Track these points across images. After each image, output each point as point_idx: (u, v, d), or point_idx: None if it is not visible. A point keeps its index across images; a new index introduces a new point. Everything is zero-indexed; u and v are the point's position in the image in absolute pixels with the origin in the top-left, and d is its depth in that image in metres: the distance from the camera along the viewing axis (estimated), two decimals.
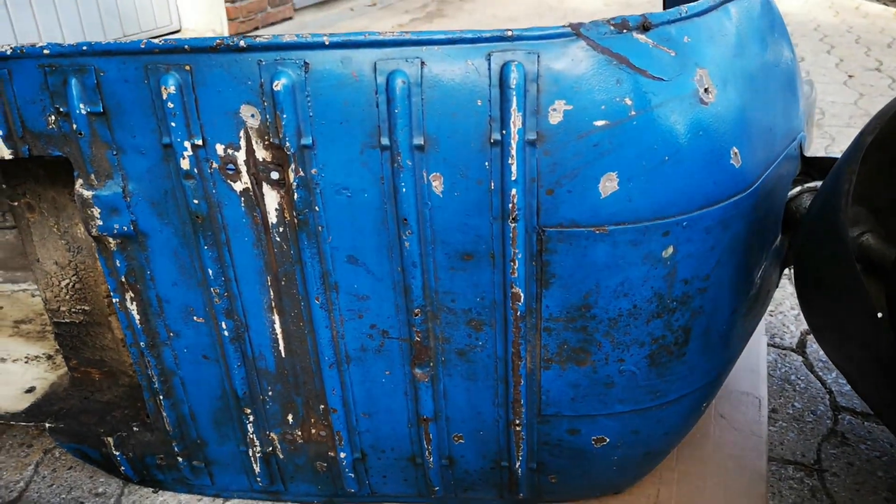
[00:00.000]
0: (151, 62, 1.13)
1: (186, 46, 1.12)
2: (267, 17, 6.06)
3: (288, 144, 1.14)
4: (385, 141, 1.12)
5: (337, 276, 1.26)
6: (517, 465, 1.39)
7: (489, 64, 1.08)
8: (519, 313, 1.21)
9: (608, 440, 1.35)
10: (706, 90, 1.14)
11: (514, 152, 1.09)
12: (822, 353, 2.06)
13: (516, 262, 1.17)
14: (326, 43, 1.09)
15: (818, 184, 1.53)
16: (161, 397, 1.45)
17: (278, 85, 1.10)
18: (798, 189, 1.52)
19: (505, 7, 7.13)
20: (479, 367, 1.30)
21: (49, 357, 1.81)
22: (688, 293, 1.22)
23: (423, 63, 1.09)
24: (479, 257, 1.19)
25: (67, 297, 1.54)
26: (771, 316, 2.24)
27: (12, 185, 1.43)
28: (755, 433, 1.72)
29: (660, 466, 1.60)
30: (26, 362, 1.80)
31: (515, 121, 1.08)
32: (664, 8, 1.78)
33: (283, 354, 1.37)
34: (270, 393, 1.42)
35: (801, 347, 2.09)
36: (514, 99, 1.07)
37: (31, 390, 1.70)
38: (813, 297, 1.33)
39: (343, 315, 1.29)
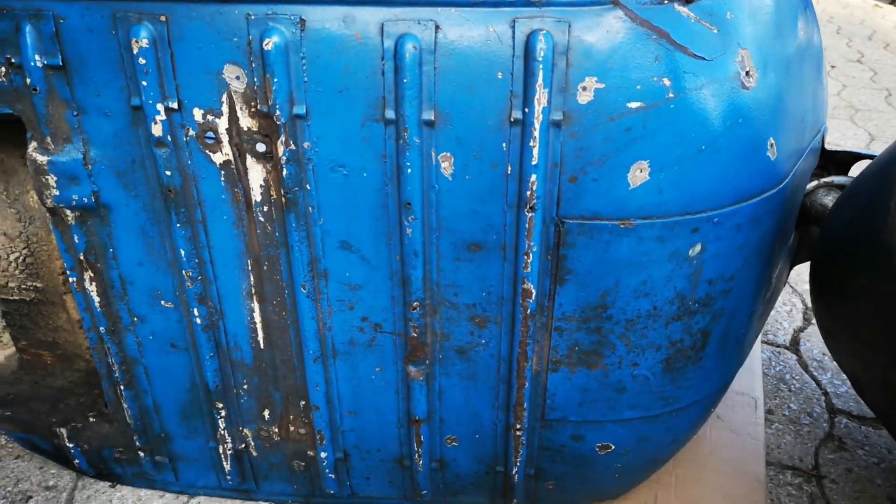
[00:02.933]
0: (121, 10, 0.97)
1: None
2: None
3: (278, 113, 1.00)
4: (390, 114, 0.99)
5: (327, 263, 1.12)
6: (514, 471, 1.29)
7: (513, 32, 0.95)
8: (529, 311, 1.10)
9: (613, 447, 1.26)
10: (747, 73, 1.03)
11: (536, 134, 0.97)
12: (815, 351, 2.01)
13: (530, 255, 1.05)
14: None
15: (835, 179, 1.45)
16: (122, 387, 1.30)
17: (269, 44, 0.96)
18: (815, 183, 1.43)
19: None
20: (479, 366, 1.19)
21: None
22: (711, 295, 1.13)
23: (437, 27, 0.95)
24: (488, 248, 1.07)
25: (17, 272, 1.37)
26: None
27: None
28: (752, 436, 1.66)
29: None
30: None
31: (540, 98, 0.96)
32: None
33: (261, 346, 1.23)
34: (246, 386, 1.29)
35: (794, 345, 2.04)
36: (541, 73, 0.94)
37: None
38: (836, 303, 1.25)
39: (332, 306, 1.17)
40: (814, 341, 2.05)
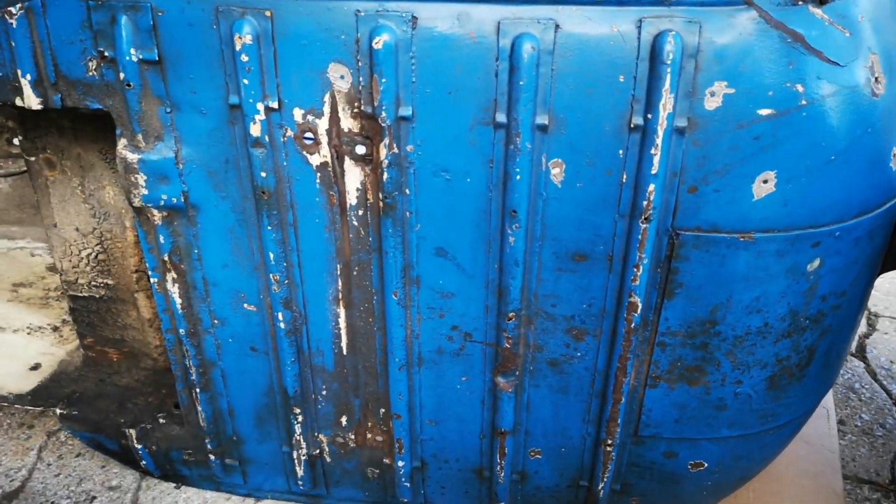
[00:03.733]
0: (224, 4, 0.93)
1: None
2: None
3: (384, 114, 0.95)
4: (501, 117, 0.94)
5: (420, 270, 1.08)
6: (599, 486, 1.25)
7: (639, 32, 0.89)
8: (633, 325, 1.06)
9: (706, 465, 1.22)
10: (876, 80, 0.97)
11: (658, 141, 0.92)
12: (882, 359, 1.95)
13: (640, 267, 1.01)
14: None
15: None
16: (198, 390, 1.27)
17: (378, 42, 0.91)
18: None
19: None
20: (572, 379, 1.15)
21: (55, 329, 1.61)
22: (822, 311, 1.07)
23: (557, 26, 0.90)
24: (593, 259, 1.03)
25: (88, 268, 1.34)
26: None
27: (31, 136, 1.22)
28: (827, 447, 1.61)
29: None
30: (29, 334, 1.60)
31: (666, 103, 0.90)
32: None
33: (344, 352, 1.20)
34: (325, 392, 1.25)
35: (860, 352, 1.98)
36: (668, 77, 0.89)
37: (36, 367, 1.51)
38: None
39: (421, 313, 1.12)
40: (880, 348, 2.00)
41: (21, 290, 1.73)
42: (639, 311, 1.04)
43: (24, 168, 2.11)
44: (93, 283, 1.35)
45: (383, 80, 0.93)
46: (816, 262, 1.01)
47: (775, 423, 1.19)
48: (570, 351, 1.12)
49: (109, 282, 1.34)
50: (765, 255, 0.99)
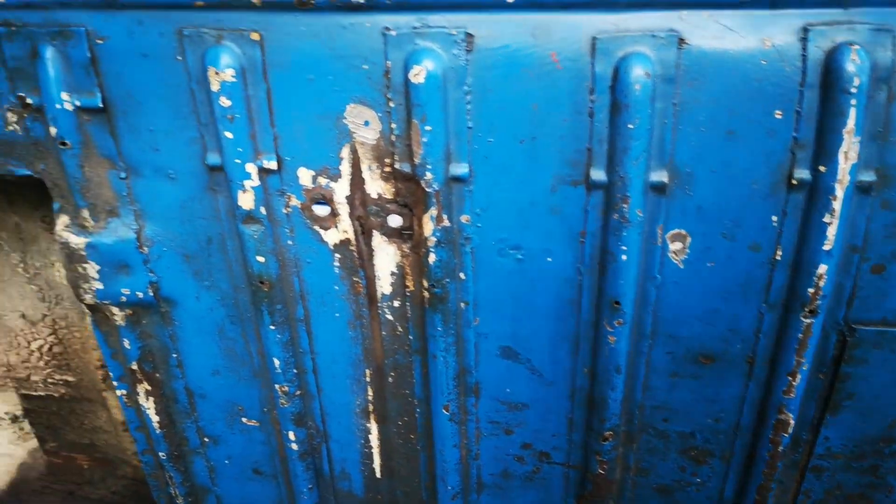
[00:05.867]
0: (189, 24, 0.64)
1: None
2: None
3: (428, 175, 0.66)
4: (598, 175, 0.65)
5: (480, 375, 0.80)
6: None
7: (804, 45, 0.60)
8: (781, 447, 0.76)
9: None
10: None
11: (836, 204, 0.63)
12: None
13: (797, 375, 0.71)
14: (509, 0, 0.61)
15: None
16: None
17: (418, 72, 0.62)
18: None
19: None
20: None
21: (14, 419, 1.32)
22: None
23: (681, 41, 0.61)
24: (725, 362, 0.74)
25: (41, 363, 1.05)
26: None
27: None
28: None
29: None
30: None
31: (848, 149, 0.61)
32: None
33: (377, 475, 0.91)
34: None
35: None
36: (852, 111, 0.60)
37: None
38: None
39: (481, 429, 0.84)
40: None
41: None
42: (790, 429, 0.75)
43: None
44: (49, 380, 1.07)
45: (427, 128, 0.64)
46: None
47: None
48: (687, 476, 0.83)
49: (69, 378, 1.06)
50: None
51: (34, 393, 1.09)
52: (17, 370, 1.06)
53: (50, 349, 1.04)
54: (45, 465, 1.21)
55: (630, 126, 0.63)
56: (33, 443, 1.28)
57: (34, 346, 1.03)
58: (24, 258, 0.96)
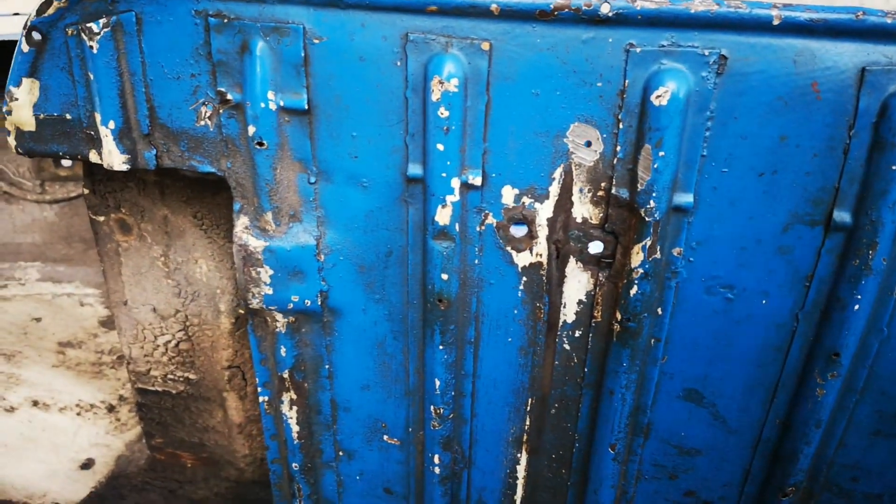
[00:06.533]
0: (417, 29, 0.60)
1: (493, 7, 0.58)
2: None
3: (652, 203, 0.61)
4: (844, 217, 0.60)
5: (654, 415, 0.75)
6: None
7: None
8: None
9: None
10: None
11: None
12: None
13: None
14: (776, 21, 0.56)
15: None
16: None
17: (662, 94, 0.58)
18: None
19: None
20: None
21: (110, 409, 1.30)
22: None
23: None
24: None
25: (165, 359, 1.02)
26: None
27: (100, 188, 0.90)
28: None
29: None
30: (78, 414, 1.29)
31: None
32: None
33: None
34: None
35: None
36: None
37: (88, 466, 1.20)
38: None
39: (643, 471, 0.79)
40: None
41: (69, 351, 1.42)
42: None
43: (74, 194, 1.82)
44: (170, 376, 1.04)
45: (661, 154, 0.59)
46: None
47: None
48: None
49: (192, 376, 1.02)
50: None
51: (151, 388, 1.06)
52: (137, 363, 1.03)
53: (177, 345, 1.00)
54: (147, 460, 1.18)
55: (894, 168, 0.57)
56: (130, 434, 1.26)
57: (161, 340, 1.00)
58: (167, 252, 0.93)
